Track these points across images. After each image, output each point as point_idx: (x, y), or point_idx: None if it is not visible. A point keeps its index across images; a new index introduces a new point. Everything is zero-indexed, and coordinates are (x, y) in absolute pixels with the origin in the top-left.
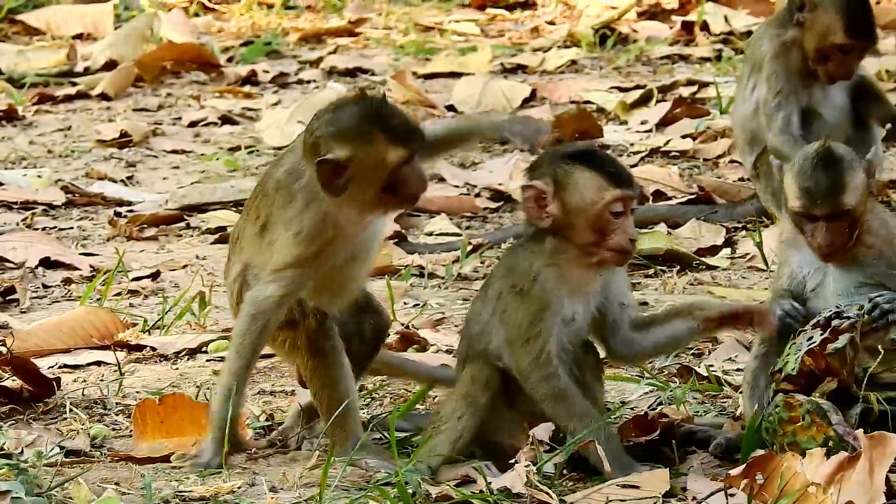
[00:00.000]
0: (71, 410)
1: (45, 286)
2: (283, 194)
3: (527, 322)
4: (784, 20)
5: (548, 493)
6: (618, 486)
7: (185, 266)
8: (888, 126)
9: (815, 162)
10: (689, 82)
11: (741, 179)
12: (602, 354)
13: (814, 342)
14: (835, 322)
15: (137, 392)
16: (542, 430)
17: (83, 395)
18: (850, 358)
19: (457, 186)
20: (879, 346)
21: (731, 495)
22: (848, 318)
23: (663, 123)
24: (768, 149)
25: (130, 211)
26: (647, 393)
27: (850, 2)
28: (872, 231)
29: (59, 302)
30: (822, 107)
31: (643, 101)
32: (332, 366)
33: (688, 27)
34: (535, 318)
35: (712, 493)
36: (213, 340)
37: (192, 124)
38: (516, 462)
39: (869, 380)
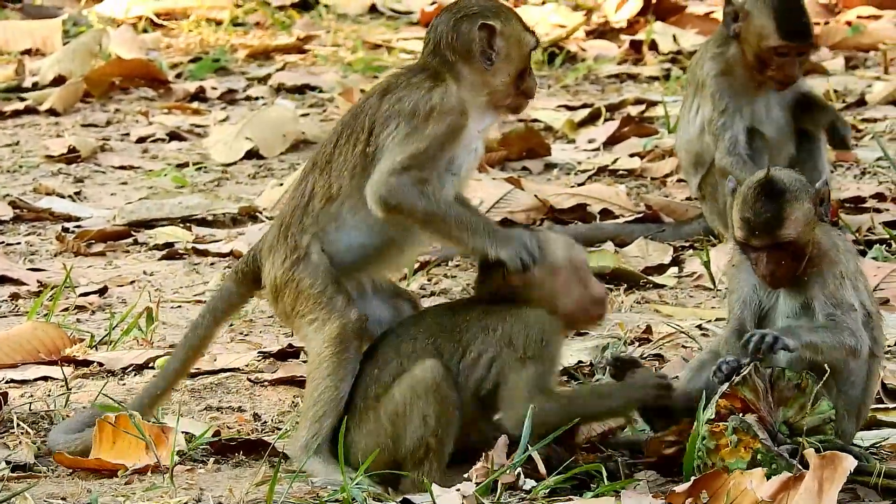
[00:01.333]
0: (18, 425)
1: None
2: (401, 91)
3: None
4: (723, 37)
5: None
6: None
7: (132, 282)
8: (833, 132)
9: (757, 193)
10: (637, 101)
11: (688, 198)
12: None
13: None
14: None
15: (84, 407)
16: (499, 447)
17: (30, 409)
18: (762, 390)
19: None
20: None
21: None
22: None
23: (611, 142)
24: (716, 169)
25: (78, 226)
26: None
27: (783, 4)
28: (821, 254)
29: (6, 317)
30: (765, 126)
31: (591, 119)
32: (347, 367)
33: (636, 46)
34: None
35: None
36: (159, 356)
37: (140, 140)
38: (467, 479)
39: (792, 430)
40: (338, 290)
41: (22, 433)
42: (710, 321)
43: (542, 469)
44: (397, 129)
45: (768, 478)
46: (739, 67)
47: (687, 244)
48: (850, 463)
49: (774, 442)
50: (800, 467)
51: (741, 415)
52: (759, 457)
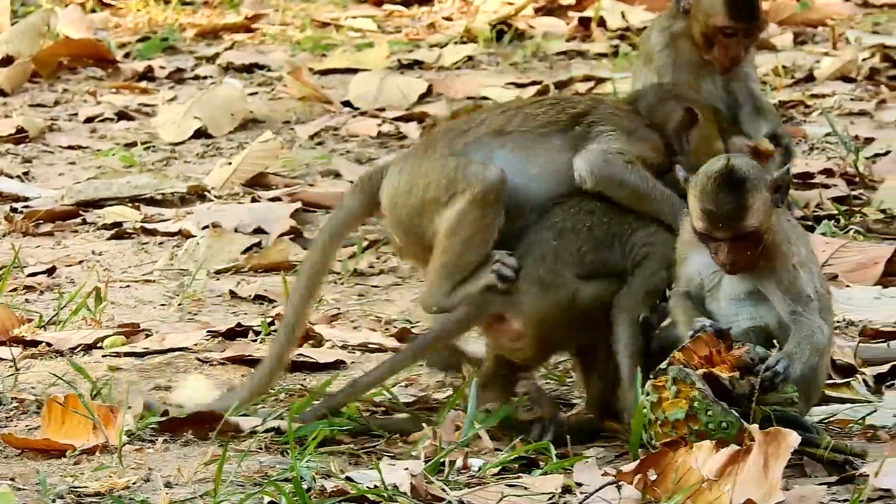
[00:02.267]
0: None
1: None
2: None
3: None
4: (674, 12)
5: (443, 490)
6: (512, 483)
7: (80, 262)
8: (775, 139)
9: (717, 183)
10: (586, 78)
11: None
12: None
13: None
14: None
15: (33, 388)
16: (448, 423)
17: None
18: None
19: (352, 182)
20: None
21: (620, 488)
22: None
23: None
24: None
25: (26, 206)
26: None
27: None
28: (774, 245)
29: None
30: (714, 102)
31: (540, 96)
32: (490, 231)
33: (585, 23)
34: None
35: (601, 487)
36: (108, 336)
37: (89, 120)
38: (414, 457)
39: (751, 397)
40: (469, 161)
41: None
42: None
43: (488, 444)
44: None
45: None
46: (687, 43)
47: None
48: (794, 439)
49: (728, 401)
50: (737, 415)
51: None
52: (695, 404)
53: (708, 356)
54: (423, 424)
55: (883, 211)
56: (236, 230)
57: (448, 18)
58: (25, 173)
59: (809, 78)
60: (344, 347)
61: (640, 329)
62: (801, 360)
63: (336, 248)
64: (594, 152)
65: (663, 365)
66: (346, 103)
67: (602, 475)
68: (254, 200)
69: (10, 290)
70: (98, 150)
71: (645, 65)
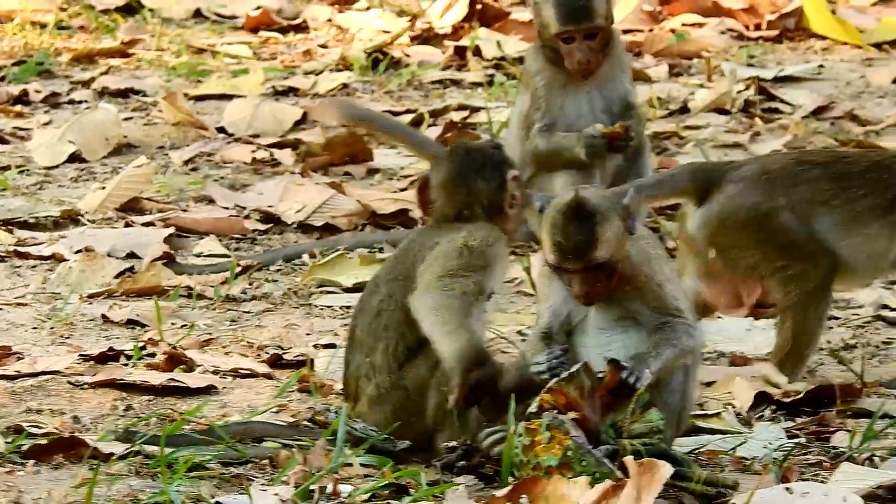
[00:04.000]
0: None
1: None
2: None
3: None
4: None
5: None
6: None
7: None
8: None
9: (567, 216)
10: (461, 107)
11: None
12: None
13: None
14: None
15: None
16: (318, 449)
17: None
18: (588, 389)
19: (226, 208)
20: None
21: None
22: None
23: None
24: (529, 155)
25: None
26: None
27: None
28: (634, 268)
29: None
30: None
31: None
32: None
33: (460, 52)
34: None
35: None
36: None
37: None
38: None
39: (619, 433)
40: (812, 239)
41: None
42: (530, 327)
43: (358, 470)
44: None
45: (592, 485)
46: (561, 67)
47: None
48: (667, 470)
49: (596, 442)
50: (611, 467)
51: (557, 412)
52: (569, 453)
53: (577, 396)
54: (293, 450)
55: None
56: (109, 254)
57: (323, 46)
58: None
59: (684, 110)
60: (216, 373)
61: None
62: (660, 358)
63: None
64: None
65: (533, 408)
66: (221, 129)
67: (474, 502)
68: (127, 225)
69: None
70: None
71: (523, 90)
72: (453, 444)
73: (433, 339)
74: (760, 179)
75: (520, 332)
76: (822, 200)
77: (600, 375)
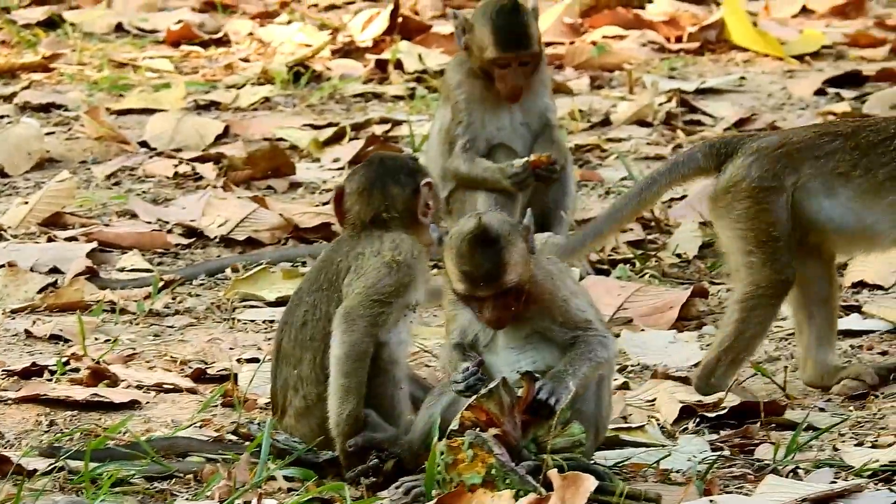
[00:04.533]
0: None
1: None
2: None
3: None
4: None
5: None
6: None
7: None
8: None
9: (472, 244)
10: (383, 120)
11: None
12: None
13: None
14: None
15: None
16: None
17: None
18: (508, 405)
19: (149, 222)
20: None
21: None
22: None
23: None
24: (448, 171)
25: None
26: None
27: (500, 16)
28: (538, 286)
29: None
30: (515, 142)
31: (336, 138)
32: (770, 319)
33: (382, 65)
34: None
35: None
36: None
37: None
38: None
39: (540, 448)
40: (788, 245)
41: None
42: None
43: (282, 485)
44: None
45: (516, 499)
46: (480, 79)
47: (431, 263)
48: (591, 483)
49: (518, 457)
50: (535, 484)
51: (479, 429)
52: (493, 471)
53: (498, 413)
54: (218, 464)
55: (678, 255)
56: (32, 269)
57: (245, 60)
58: None
59: (606, 122)
60: (139, 387)
61: None
62: (577, 375)
63: (667, 190)
64: None
65: (454, 425)
66: (143, 143)
67: None
68: (50, 240)
69: None
70: None
71: (444, 103)
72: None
73: (329, 383)
74: (775, 153)
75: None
76: (843, 172)
77: (518, 390)
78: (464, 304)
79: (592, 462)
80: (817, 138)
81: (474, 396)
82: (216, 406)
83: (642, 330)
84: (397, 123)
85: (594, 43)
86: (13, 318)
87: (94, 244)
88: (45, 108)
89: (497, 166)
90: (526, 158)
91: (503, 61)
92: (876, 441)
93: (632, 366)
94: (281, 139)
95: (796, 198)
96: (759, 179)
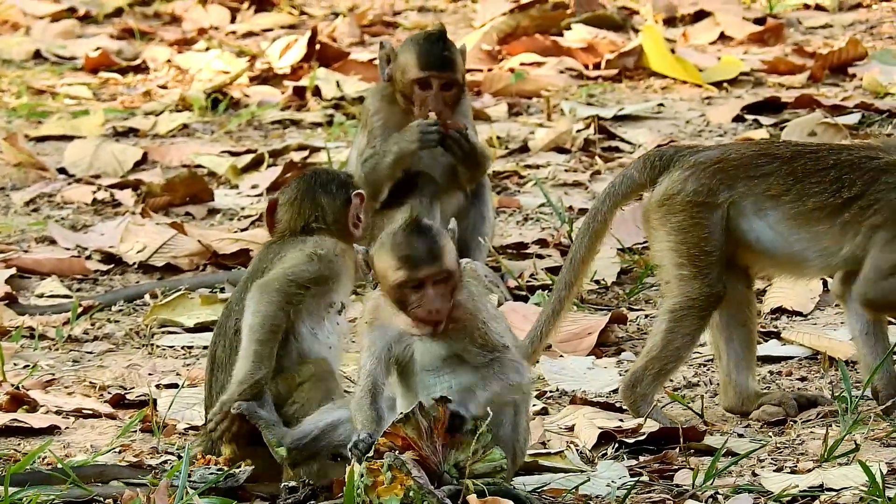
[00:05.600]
0: None
1: None
2: None
3: None
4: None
5: None
6: None
7: None
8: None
9: (408, 231)
10: (301, 147)
11: None
12: None
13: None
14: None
15: None
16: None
17: None
18: (426, 429)
19: (67, 249)
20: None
21: None
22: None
23: (274, 188)
24: (362, 178)
25: None
26: None
27: (427, 40)
28: (460, 306)
29: None
30: (434, 170)
31: (254, 165)
32: (699, 333)
33: (300, 92)
34: None
35: None
36: None
37: None
38: None
39: (462, 473)
40: (719, 260)
41: None
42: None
43: None
44: None
45: None
46: (398, 108)
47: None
48: None
49: (438, 481)
50: (439, 496)
51: (398, 452)
52: (411, 494)
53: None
54: (137, 490)
55: (597, 282)
56: None
57: (163, 86)
58: None
59: (524, 149)
60: (58, 413)
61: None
62: (488, 390)
63: (613, 214)
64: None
65: (372, 452)
66: (62, 170)
67: None
68: None
69: None
70: None
71: (362, 129)
72: (293, 484)
73: (241, 348)
74: (711, 168)
75: None
76: (774, 195)
77: (434, 415)
78: (399, 303)
79: (513, 486)
80: (756, 157)
81: (392, 421)
82: (135, 431)
83: (561, 356)
84: (315, 150)
85: (512, 70)
86: None
87: (13, 270)
88: None
89: (396, 135)
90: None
91: (425, 80)
92: (795, 466)
93: (550, 391)
94: (199, 166)
95: (731, 214)
96: (695, 194)
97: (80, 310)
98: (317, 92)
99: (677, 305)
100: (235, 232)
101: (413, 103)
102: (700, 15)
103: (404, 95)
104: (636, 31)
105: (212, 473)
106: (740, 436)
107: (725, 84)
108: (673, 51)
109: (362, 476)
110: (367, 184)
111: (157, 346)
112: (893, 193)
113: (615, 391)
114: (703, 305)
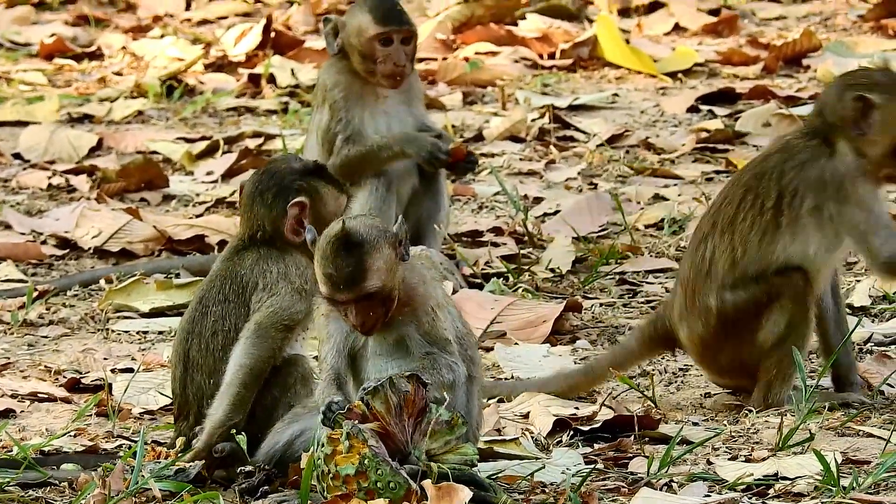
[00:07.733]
0: None
1: None
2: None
3: None
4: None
5: None
6: None
7: None
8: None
9: (335, 248)
10: (256, 134)
11: None
12: None
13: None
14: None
15: None
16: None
17: None
18: (395, 405)
19: (23, 234)
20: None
21: None
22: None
23: (229, 174)
24: (339, 169)
25: None
26: None
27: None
28: (410, 289)
29: None
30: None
31: (209, 152)
32: None
33: (255, 80)
34: None
35: None
36: None
37: None
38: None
39: (432, 460)
40: None
41: None
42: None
43: (157, 494)
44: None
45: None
46: (357, 79)
47: None
48: (465, 494)
49: (404, 460)
50: (405, 476)
51: (359, 422)
52: (365, 461)
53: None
54: (93, 473)
55: (552, 270)
56: None
57: (118, 73)
58: None
59: (479, 137)
60: (14, 397)
61: None
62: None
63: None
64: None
65: (340, 418)
66: (17, 156)
67: None
68: None
69: None
70: None
71: (320, 104)
72: (249, 468)
73: (224, 385)
74: None
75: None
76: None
77: (405, 390)
78: (330, 307)
79: (478, 471)
80: None
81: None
82: (90, 415)
83: (516, 344)
84: (270, 137)
85: (467, 59)
86: None
87: None
88: None
89: (400, 133)
90: (452, 143)
91: (385, 36)
92: (750, 455)
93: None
94: (154, 152)
95: None
96: None
97: (35, 294)
98: (272, 79)
99: None
100: (190, 218)
101: (375, 62)
102: (654, 6)
103: (364, 57)
104: (591, 21)
105: (163, 468)
106: (695, 424)
107: (680, 75)
108: (627, 41)
109: (322, 445)
110: (348, 168)
111: (113, 331)
112: (803, 171)
113: None
114: None
